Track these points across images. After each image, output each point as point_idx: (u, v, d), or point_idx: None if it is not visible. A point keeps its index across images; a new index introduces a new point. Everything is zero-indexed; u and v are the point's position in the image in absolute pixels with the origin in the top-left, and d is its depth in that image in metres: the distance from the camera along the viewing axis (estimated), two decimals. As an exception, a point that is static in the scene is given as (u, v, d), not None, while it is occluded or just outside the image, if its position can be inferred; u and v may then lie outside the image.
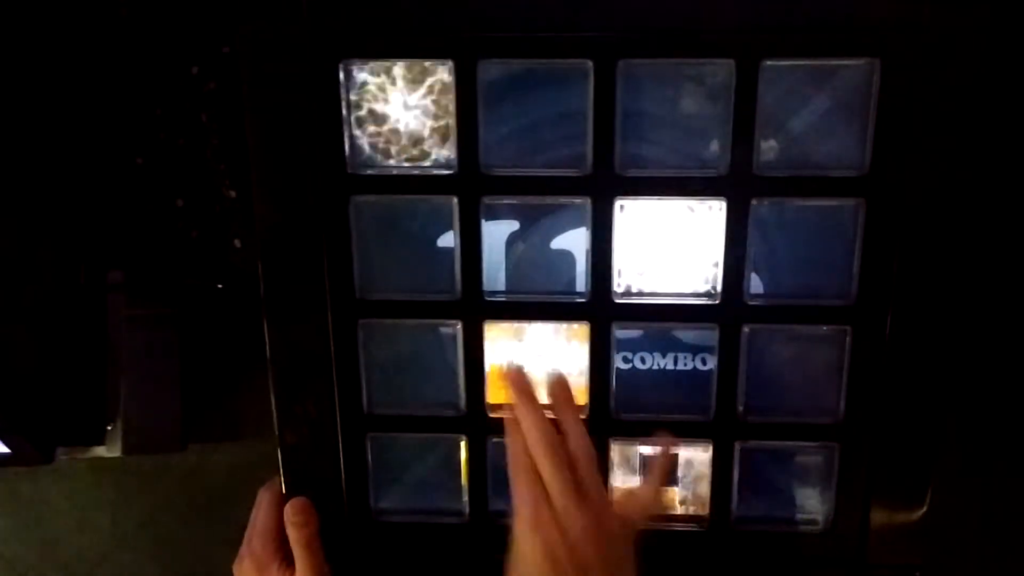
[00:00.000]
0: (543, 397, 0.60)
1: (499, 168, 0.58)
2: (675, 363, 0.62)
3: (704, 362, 0.61)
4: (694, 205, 0.58)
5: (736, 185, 0.57)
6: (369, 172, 0.59)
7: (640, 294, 0.60)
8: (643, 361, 0.62)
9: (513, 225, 0.60)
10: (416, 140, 0.58)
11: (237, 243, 0.75)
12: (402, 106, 0.58)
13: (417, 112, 0.58)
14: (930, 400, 0.59)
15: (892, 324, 0.58)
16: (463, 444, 0.64)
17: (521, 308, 0.61)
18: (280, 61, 0.56)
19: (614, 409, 0.62)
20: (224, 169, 0.73)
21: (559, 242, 0.60)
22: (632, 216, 0.58)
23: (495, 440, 0.63)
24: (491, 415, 0.63)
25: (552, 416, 0.58)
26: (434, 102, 0.57)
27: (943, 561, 0.63)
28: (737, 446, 0.62)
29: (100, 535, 0.92)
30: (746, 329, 0.60)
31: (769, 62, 0.55)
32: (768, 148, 0.57)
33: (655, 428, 0.61)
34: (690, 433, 0.62)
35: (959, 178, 0.56)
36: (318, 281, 0.60)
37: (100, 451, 0.84)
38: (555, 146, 0.58)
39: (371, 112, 0.58)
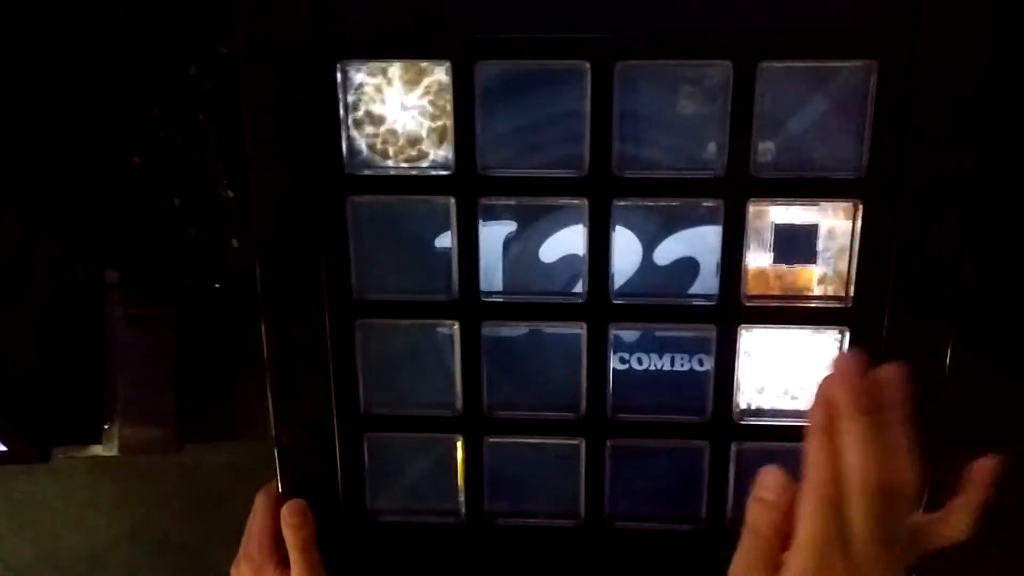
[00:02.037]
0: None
1: (496, 169, 0.58)
2: (672, 364, 0.62)
3: (701, 363, 0.61)
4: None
5: (733, 186, 0.57)
6: (366, 172, 0.59)
7: (638, 295, 0.60)
8: (640, 362, 0.62)
9: (510, 226, 0.60)
10: (414, 141, 0.58)
11: (234, 243, 0.75)
12: (399, 107, 0.58)
13: (415, 113, 0.58)
14: (926, 402, 0.59)
15: (888, 326, 0.58)
16: (459, 444, 0.64)
17: (518, 309, 0.61)
18: (278, 61, 0.56)
19: (610, 410, 0.62)
20: (222, 169, 0.73)
21: (556, 243, 0.60)
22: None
23: (491, 441, 0.63)
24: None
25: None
26: (431, 103, 0.57)
27: (944, 561, 0.63)
28: (733, 447, 0.62)
29: (97, 534, 0.92)
30: (743, 330, 0.60)
31: (766, 63, 0.55)
32: (765, 149, 0.57)
33: (653, 428, 0.61)
34: (687, 434, 0.62)
35: (956, 180, 0.56)
36: (315, 281, 0.60)
37: (97, 450, 0.84)
38: (552, 147, 0.58)
39: (368, 113, 0.58)
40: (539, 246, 0.60)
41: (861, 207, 0.57)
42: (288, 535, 0.63)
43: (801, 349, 0.61)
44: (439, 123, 0.58)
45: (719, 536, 0.64)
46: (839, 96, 0.56)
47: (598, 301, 0.60)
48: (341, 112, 0.57)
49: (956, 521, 0.50)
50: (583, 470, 0.63)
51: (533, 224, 0.60)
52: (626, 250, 0.59)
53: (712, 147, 0.57)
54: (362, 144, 0.59)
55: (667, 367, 0.62)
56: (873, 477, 0.44)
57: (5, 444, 0.73)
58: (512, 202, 0.59)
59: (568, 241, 0.60)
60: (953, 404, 0.58)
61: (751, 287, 0.59)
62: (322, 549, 0.64)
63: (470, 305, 0.61)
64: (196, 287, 0.79)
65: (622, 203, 0.58)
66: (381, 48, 0.57)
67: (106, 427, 0.84)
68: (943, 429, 0.58)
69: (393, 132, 0.58)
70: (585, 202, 0.58)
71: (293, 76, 0.57)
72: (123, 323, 0.81)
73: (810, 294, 0.59)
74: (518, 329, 0.62)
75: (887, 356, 0.58)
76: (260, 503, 0.66)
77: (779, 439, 0.62)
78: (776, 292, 0.60)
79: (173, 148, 0.74)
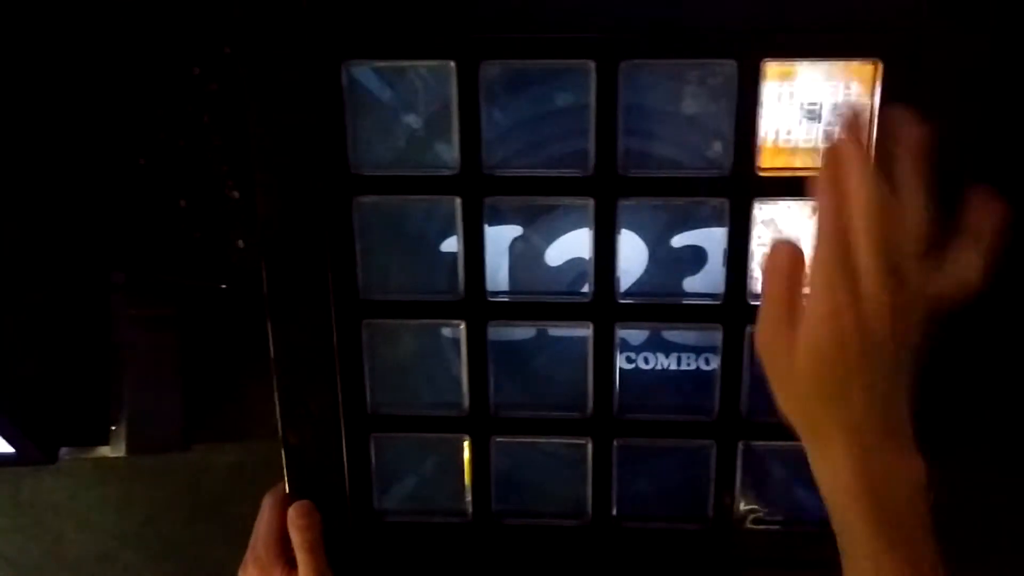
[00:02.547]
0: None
1: (502, 169, 0.58)
2: (678, 363, 0.62)
3: (707, 362, 0.61)
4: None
5: (739, 185, 0.57)
6: (372, 172, 0.59)
7: (644, 295, 0.60)
8: (646, 361, 0.62)
9: (516, 225, 0.60)
10: None
11: (240, 243, 0.75)
12: None
13: None
14: (930, 400, 0.59)
15: (895, 324, 0.58)
16: (466, 444, 0.64)
17: (524, 308, 0.61)
18: (282, 62, 0.57)
19: (617, 409, 0.62)
20: (227, 170, 0.74)
21: (562, 243, 0.60)
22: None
23: (498, 440, 0.63)
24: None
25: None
26: None
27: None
28: (740, 446, 0.62)
29: (103, 535, 0.92)
30: (749, 329, 0.60)
31: (771, 62, 0.55)
32: (771, 148, 0.57)
33: (660, 427, 0.61)
34: (693, 433, 0.62)
35: (959, 179, 0.55)
36: (321, 281, 0.60)
37: (104, 451, 0.84)
38: (557, 146, 0.58)
39: None
40: (545, 246, 0.60)
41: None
42: (295, 536, 0.63)
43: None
44: None
45: (726, 535, 0.64)
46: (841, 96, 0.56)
47: (604, 301, 0.60)
48: (345, 112, 0.57)
49: (965, 262, 0.49)
50: (590, 470, 0.63)
51: (539, 224, 0.60)
52: (632, 250, 0.59)
53: (717, 146, 0.57)
54: None
55: (673, 367, 0.62)
56: (876, 207, 0.46)
57: (12, 445, 0.73)
58: (518, 202, 0.59)
59: (573, 241, 0.60)
60: (955, 403, 0.58)
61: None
62: (329, 549, 0.64)
63: (476, 305, 0.61)
64: (202, 288, 0.79)
65: (627, 202, 0.58)
66: (385, 48, 0.57)
67: (113, 428, 0.84)
68: (945, 428, 0.58)
69: None
70: (590, 201, 0.58)
71: (297, 76, 0.57)
72: (129, 324, 0.81)
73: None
74: (525, 329, 0.62)
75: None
76: (267, 504, 0.66)
77: (786, 438, 0.62)
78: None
79: (178, 149, 0.74)
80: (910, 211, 0.48)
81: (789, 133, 0.57)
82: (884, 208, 0.47)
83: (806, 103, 0.56)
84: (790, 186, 0.57)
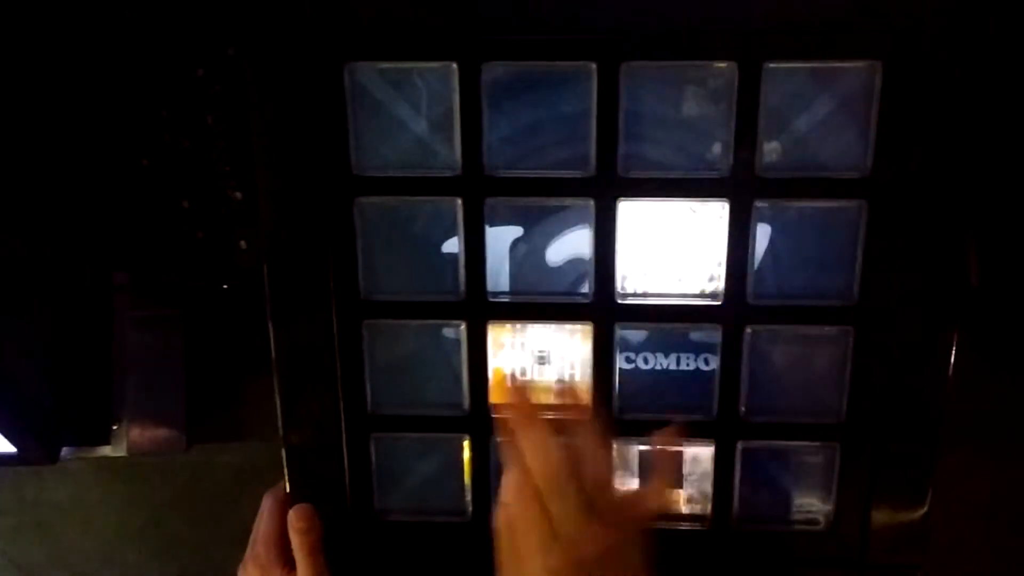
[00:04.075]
0: (547, 400, 0.60)
1: (503, 170, 0.58)
2: (678, 363, 0.62)
3: (707, 362, 0.61)
4: (696, 207, 0.59)
5: (739, 186, 0.57)
6: (373, 173, 0.59)
7: (643, 295, 0.60)
8: (646, 361, 0.62)
9: (517, 226, 0.60)
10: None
11: (242, 244, 0.76)
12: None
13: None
14: (931, 401, 0.60)
15: (894, 325, 0.58)
16: (466, 444, 0.64)
17: (524, 309, 0.61)
18: (285, 63, 0.57)
19: (617, 409, 0.62)
20: (229, 171, 0.74)
21: (562, 243, 0.60)
22: (635, 217, 0.59)
23: (498, 440, 0.63)
24: (494, 415, 0.63)
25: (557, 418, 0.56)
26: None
27: (944, 561, 0.64)
28: (739, 445, 0.62)
29: (105, 535, 0.92)
30: (749, 330, 0.60)
31: (772, 64, 0.55)
32: (771, 150, 0.57)
33: (658, 427, 0.61)
34: (693, 433, 0.62)
35: (961, 178, 0.56)
36: (323, 282, 0.60)
37: (105, 451, 0.84)
38: (558, 148, 0.58)
39: None
40: (545, 246, 0.60)
41: (866, 206, 0.57)
42: (295, 539, 0.63)
43: (807, 350, 0.61)
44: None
45: (725, 535, 0.64)
46: (844, 96, 0.56)
47: (604, 301, 0.60)
48: (348, 114, 0.58)
49: (651, 493, 0.59)
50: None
51: (539, 225, 0.60)
52: (632, 250, 0.60)
53: (717, 147, 0.57)
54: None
55: (673, 366, 0.62)
56: (547, 466, 0.53)
57: (15, 445, 0.73)
58: (519, 203, 0.60)
59: (574, 242, 0.60)
60: (957, 403, 0.58)
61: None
62: (329, 549, 0.64)
63: (477, 305, 0.61)
64: (204, 288, 0.79)
65: (628, 203, 0.58)
66: (388, 50, 0.57)
67: (115, 428, 0.84)
68: (947, 428, 0.59)
69: None
70: (591, 202, 0.58)
71: (300, 78, 0.57)
72: (132, 324, 0.82)
73: (815, 293, 0.60)
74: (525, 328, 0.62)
75: (892, 354, 0.59)
76: (267, 505, 0.66)
77: (785, 438, 0.62)
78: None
79: (181, 150, 0.74)
80: (590, 455, 0.54)
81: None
82: (561, 459, 0.53)
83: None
84: (790, 186, 0.57)
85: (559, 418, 0.57)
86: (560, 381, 0.62)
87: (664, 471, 0.59)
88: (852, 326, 0.59)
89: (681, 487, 0.63)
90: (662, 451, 0.60)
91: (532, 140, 0.58)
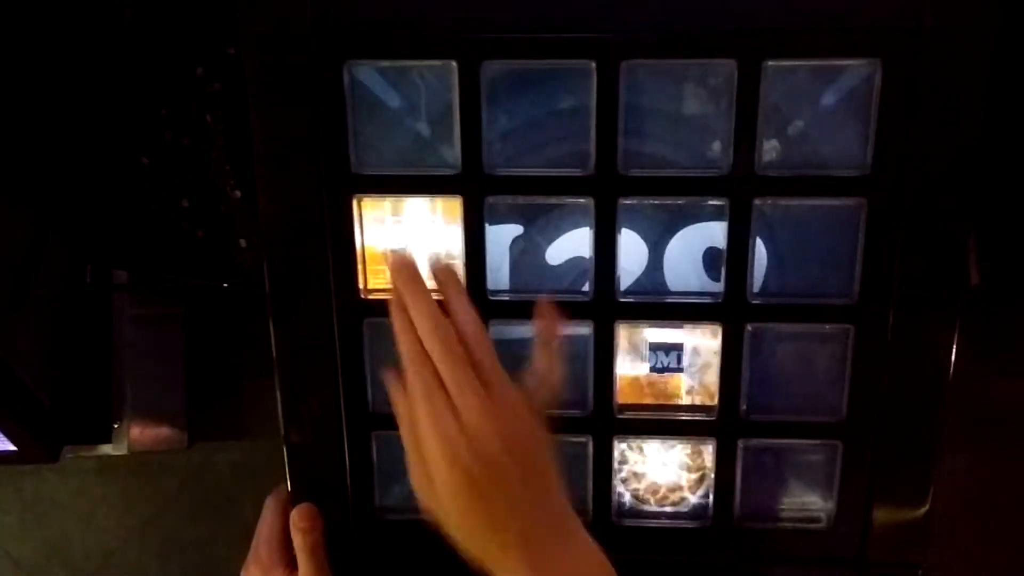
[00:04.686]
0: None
1: (503, 168, 0.58)
2: (678, 362, 0.62)
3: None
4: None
5: (738, 185, 0.57)
6: (373, 172, 0.59)
7: (644, 293, 0.60)
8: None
9: (516, 224, 0.60)
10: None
11: (242, 243, 0.76)
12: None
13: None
14: (931, 399, 0.60)
15: (894, 323, 0.58)
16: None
17: (524, 307, 0.61)
18: (284, 62, 0.57)
19: (617, 407, 0.62)
20: (229, 169, 0.74)
21: (562, 242, 0.60)
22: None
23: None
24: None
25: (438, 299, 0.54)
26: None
27: (944, 560, 0.64)
28: (740, 444, 0.62)
29: (106, 533, 0.93)
30: (749, 327, 0.60)
31: (771, 62, 0.55)
32: (770, 148, 0.57)
33: (658, 433, 0.61)
34: (694, 431, 0.62)
35: (960, 177, 0.56)
36: (323, 280, 0.60)
37: (106, 449, 0.84)
38: (558, 146, 0.58)
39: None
40: (545, 245, 0.60)
41: (866, 204, 0.57)
42: (297, 539, 0.63)
43: (807, 348, 0.61)
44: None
45: (726, 533, 0.64)
46: (843, 94, 0.56)
47: (604, 299, 0.60)
48: (348, 112, 0.58)
49: (544, 365, 0.55)
50: (590, 467, 0.63)
51: (539, 223, 0.60)
52: (632, 249, 0.60)
53: (717, 145, 0.57)
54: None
55: (673, 365, 0.62)
56: (432, 324, 0.51)
57: (15, 444, 0.73)
58: (518, 201, 0.60)
59: (574, 240, 0.60)
60: (957, 401, 0.58)
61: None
62: (331, 547, 0.64)
63: (477, 304, 0.61)
64: (204, 287, 0.79)
65: (628, 201, 0.58)
66: (388, 48, 0.57)
67: (115, 426, 0.84)
68: (946, 425, 0.59)
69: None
70: (591, 201, 0.58)
71: (300, 76, 0.57)
72: (132, 323, 0.82)
73: (816, 292, 0.60)
74: (525, 328, 0.62)
75: (892, 352, 0.59)
76: (269, 507, 0.66)
77: (785, 436, 0.62)
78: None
79: (181, 149, 0.74)
80: (465, 324, 0.53)
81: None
82: (450, 331, 0.52)
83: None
84: (790, 184, 0.57)
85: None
86: (436, 257, 0.59)
87: (548, 349, 0.55)
88: (852, 324, 0.59)
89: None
90: (546, 326, 0.56)
91: (532, 138, 0.58)
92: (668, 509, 0.65)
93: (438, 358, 0.51)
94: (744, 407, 0.62)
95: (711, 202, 0.58)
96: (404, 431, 0.53)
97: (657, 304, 0.60)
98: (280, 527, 0.65)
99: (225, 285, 0.78)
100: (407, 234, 0.60)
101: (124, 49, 0.73)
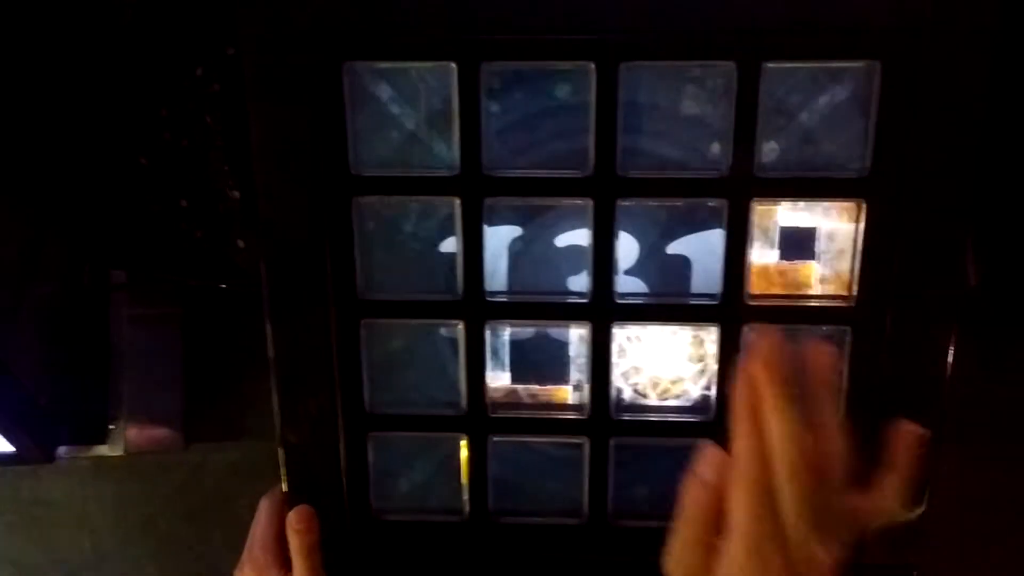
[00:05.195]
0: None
1: (501, 169, 0.58)
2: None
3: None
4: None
5: (737, 186, 0.57)
6: (372, 173, 0.59)
7: (641, 295, 0.60)
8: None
9: (515, 225, 0.60)
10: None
11: (240, 243, 0.76)
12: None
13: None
14: (929, 400, 0.59)
15: (891, 324, 0.58)
16: (463, 444, 0.64)
17: (523, 308, 0.61)
18: (284, 62, 0.57)
19: (614, 409, 0.62)
20: (228, 170, 0.74)
21: (561, 242, 0.60)
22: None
23: (495, 439, 0.63)
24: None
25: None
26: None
27: (942, 561, 0.63)
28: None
29: (102, 534, 0.92)
30: (747, 329, 0.60)
31: (771, 63, 0.55)
32: (769, 149, 0.57)
33: (655, 435, 0.61)
34: (692, 433, 0.62)
35: (960, 179, 0.56)
36: (321, 281, 0.60)
37: (102, 450, 0.84)
38: (557, 147, 0.58)
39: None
40: (544, 246, 0.60)
41: (865, 206, 0.57)
42: (293, 541, 0.63)
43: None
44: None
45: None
46: (843, 96, 0.56)
47: (602, 301, 0.60)
48: (346, 113, 0.58)
49: (891, 494, 0.49)
50: (587, 469, 0.63)
51: (537, 224, 0.60)
52: (630, 249, 0.60)
53: (716, 147, 0.57)
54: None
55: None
56: (798, 454, 0.44)
57: (11, 444, 0.73)
58: (517, 202, 0.60)
59: (573, 241, 0.60)
60: (955, 402, 0.58)
61: (754, 286, 0.59)
62: (326, 548, 0.64)
63: (475, 305, 0.61)
64: (202, 287, 0.79)
65: (626, 203, 0.58)
66: (386, 49, 0.57)
67: (112, 427, 0.84)
68: (944, 429, 0.59)
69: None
70: (590, 202, 0.58)
71: (299, 77, 0.57)
72: (129, 323, 0.82)
73: (813, 293, 0.60)
74: (523, 329, 0.62)
75: (890, 354, 0.59)
76: (264, 507, 0.66)
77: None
78: (779, 291, 0.60)
79: (179, 149, 0.74)
80: (830, 447, 0.45)
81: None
82: (806, 450, 0.44)
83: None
84: (789, 186, 0.57)
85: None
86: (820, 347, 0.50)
87: (903, 470, 0.49)
88: (849, 326, 0.59)
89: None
90: (905, 437, 0.49)
91: (531, 139, 0.58)
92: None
93: (789, 493, 0.44)
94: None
95: (709, 203, 0.58)
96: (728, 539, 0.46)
97: (655, 305, 0.60)
98: (275, 528, 0.65)
99: (223, 286, 0.78)
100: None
101: (123, 49, 0.73)
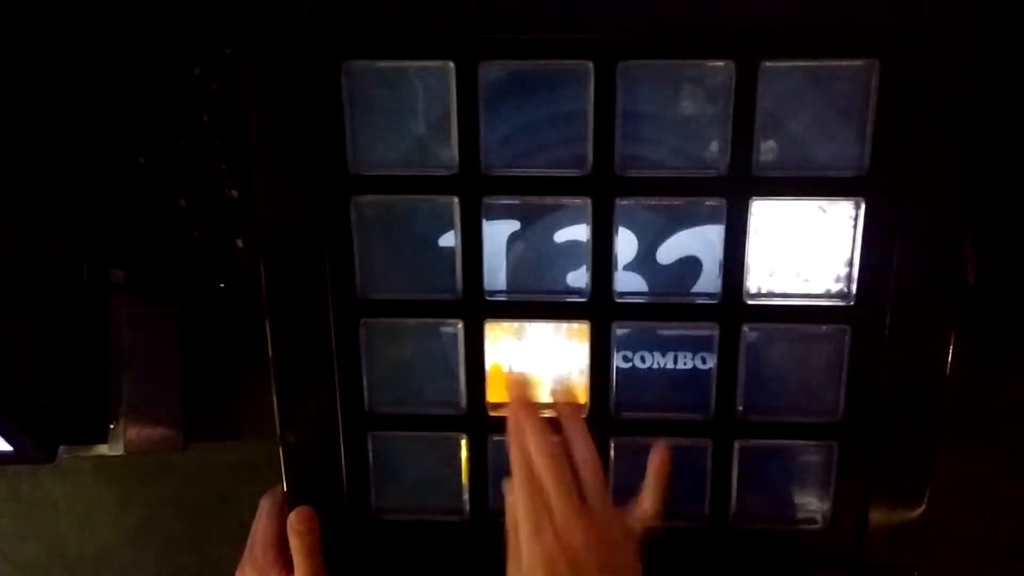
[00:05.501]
0: (544, 397, 0.60)
1: (500, 168, 0.58)
2: (675, 362, 0.62)
3: (704, 361, 0.62)
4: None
5: (735, 185, 0.57)
6: (370, 172, 0.59)
7: (640, 293, 0.60)
8: (643, 360, 0.62)
9: (514, 224, 0.60)
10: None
11: (239, 243, 0.76)
12: None
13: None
14: (929, 399, 0.60)
15: (891, 324, 0.58)
16: (463, 443, 0.64)
17: (522, 307, 0.61)
18: (282, 62, 0.57)
19: (614, 408, 0.62)
20: (226, 169, 0.74)
21: (559, 241, 0.60)
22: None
23: (495, 439, 0.63)
24: (491, 414, 0.63)
25: (553, 416, 0.59)
26: None
27: (941, 561, 0.63)
28: (736, 445, 0.62)
29: (102, 533, 0.92)
30: (745, 328, 0.60)
31: (769, 63, 0.55)
32: (768, 148, 0.57)
33: (656, 426, 0.61)
34: (690, 432, 0.62)
35: (957, 177, 0.56)
36: (320, 280, 0.60)
37: (102, 450, 0.84)
38: (555, 147, 0.58)
39: None
40: (542, 245, 0.60)
41: (863, 205, 0.57)
42: (294, 541, 0.63)
43: (804, 349, 0.61)
44: None
45: (722, 534, 0.64)
46: (841, 95, 0.56)
47: (601, 299, 0.60)
48: (345, 112, 0.58)
49: (646, 501, 0.58)
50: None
51: (536, 223, 0.60)
52: (629, 249, 0.60)
53: (714, 146, 0.57)
54: None
55: (670, 365, 0.62)
56: (548, 452, 0.56)
57: (11, 444, 0.73)
58: (515, 201, 0.60)
59: (571, 240, 0.60)
60: (954, 401, 0.58)
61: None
62: (326, 547, 0.64)
63: (474, 304, 0.61)
64: (201, 287, 0.79)
65: (625, 202, 0.58)
66: (385, 48, 0.57)
67: (111, 426, 0.84)
68: (943, 426, 0.59)
69: None
70: (588, 201, 0.58)
71: (297, 76, 0.57)
72: (128, 323, 0.82)
73: (812, 293, 0.60)
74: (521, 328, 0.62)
75: (889, 353, 0.59)
76: (264, 507, 0.66)
77: (782, 437, 0.62)
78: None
79: (178, 149, 0.74)
80: (577, 445, 0.58)
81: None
82: (558, 456, 0.56)
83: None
84: (787, 185, 0.57)
85: (553, 415, 0.60)
86: (555, 379, 0.62)
87: (657, 478, 0.59)
88: (849, 325, 0.59)
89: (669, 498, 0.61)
90: (660, 461, 0.59)
91: (529, 139, 0.58)
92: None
93: (548, 478, 0.56)
94: (740, 408, 0.62)
95: (708, 202, 0.58)
96: (510, 537, 0.58)
97: (654, 304, 0.60)
98: (276, 528, 0.65)
99: (222, 285, 0.78)
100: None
101: (121, 49, 0.73)
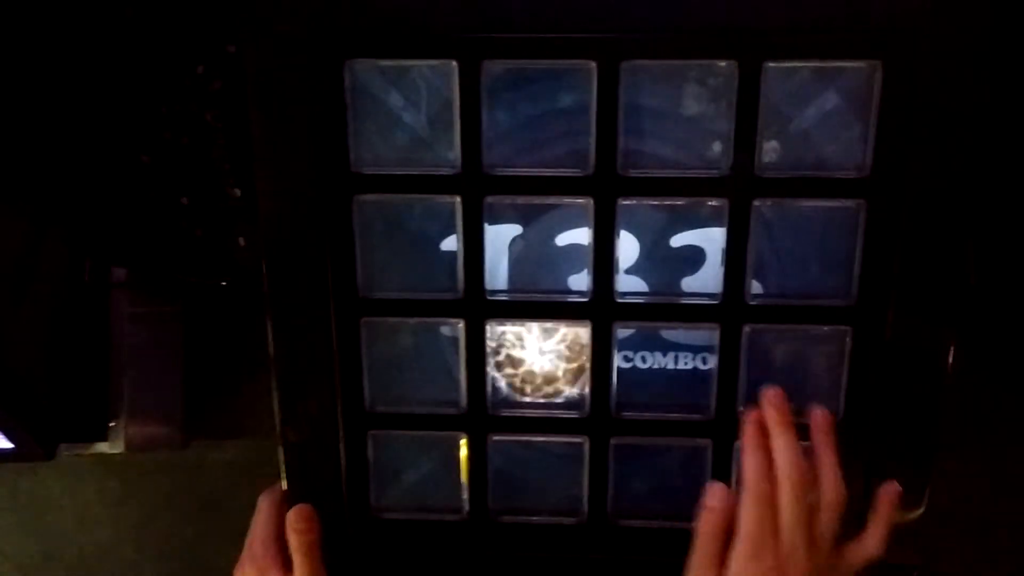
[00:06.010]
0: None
1: (502, 168, 0.58)
2: (675, 362, 0.62)
3: (705, 361, 0.62)
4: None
5: (738, 186, 0.57)
6: (372, 171, 0.59)
7: (641, 294, 0.60)
8: (644, 360, 0.62)
9: (515, 224, 0.60)
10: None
11: (241, 241, 0.76)
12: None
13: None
14: (929, 400, 0.60)
15: (892, 325, 0.58)
16: (463, 442, 0.64)
17: (523, 307, 0.61)
18: (285, 60, 0.57)
19: (615, 408, 0.62)
20: (229, 168, 0.74)
21: (561, 241, 0.60)
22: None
23: (495, 438, 0.63)
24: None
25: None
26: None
27: (942, 561, 0.63)
28: (737, 445, 0.62)
29: (102, 531, 0.92)
30: (747, 329, 0.60)
31: (772, 63, 0.55)
32: (770, 149, 0.57)
33: (655, 426, 0.61)
34: (690, 432, 0.62)
35: (960, 179, 0.56)
36: (321, 279, 0.60)
37: (103, 447, 0.84)
38: (558, 146, 0.58)
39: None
40: (544, 245, 0.60)
41: (865, 206, 0.57)
42: (293, 539, 0.63)
43: (805, 349, 0.61)
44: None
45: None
46: (844, 96, 0.56)
47: (602, 299, 0.60)
48: (347, 111, 0.58)
49: (873, 539, 0.57)
50: (586, 468, 0.63)
51: (538, 223, 0.60)
52: (630, 249, 0.60)
53: (717, 146, 0.57)
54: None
55: (671, 365, 0.62)
56: (797, 474, 0.54)
57: (12, 441, 0.73)
58: (517, 201, 0.60)
59: (573, 240, 0.60)
60: (955, 402, 0.58)
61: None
62: (326, 546, 0.64)
63: (475, 303, 0.61)
64: (203, 285, 0.79)
65: (627, 202, 0.58)
66: (387, 47, 0.57)
67: (112, 425, 0.84)
68: (944, 428, 0.59)
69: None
70: (590, 201, 0.58)
71: (300, 75, 0.57)
72: (130, 321, 0.82)
73: (814, 293, 0.60)
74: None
75: (891, 354, 0.59)
76: (263, 505, 0.66)
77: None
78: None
79: (181, 147, 0.74)
80: (827, 484, 0.55)
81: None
82: (805, 477, 0.54)
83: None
84: (789, 185, 0.57)
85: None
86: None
87: (886, 515, 0.58)
88: (850, 326, 0.59)
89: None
90: (890, 497, 0.58)
91: (531, 138, 0.58)
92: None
93: (786, 502, 0.54)
94: (741, 408, 0.62)
95: (710, 203, 0.58)
96: (704, 541, 0.56)
97: (655, 304, 0.60)
98: (275, 527, 0.64)
99: (224, 284, 0.78)
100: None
101: (124, 47, 0.73)
